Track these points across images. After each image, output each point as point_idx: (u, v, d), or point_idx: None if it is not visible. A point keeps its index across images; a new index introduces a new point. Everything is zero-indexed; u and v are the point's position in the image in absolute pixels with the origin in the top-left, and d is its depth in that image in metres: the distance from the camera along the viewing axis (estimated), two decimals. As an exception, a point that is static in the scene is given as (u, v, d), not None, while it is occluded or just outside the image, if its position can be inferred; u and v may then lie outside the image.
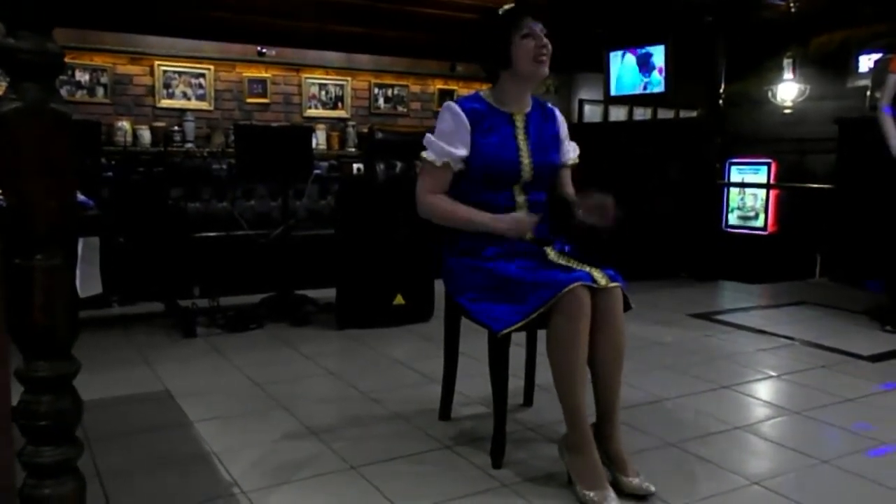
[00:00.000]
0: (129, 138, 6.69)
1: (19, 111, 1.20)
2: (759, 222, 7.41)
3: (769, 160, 7.29)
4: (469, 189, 2.32)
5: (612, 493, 1.99)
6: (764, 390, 3.15)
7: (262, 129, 5.28)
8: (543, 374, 2.63)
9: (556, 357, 2.07)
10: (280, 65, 7.46)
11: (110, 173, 4.68)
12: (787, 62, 6.84)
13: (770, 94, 7.05)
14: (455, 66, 8.25)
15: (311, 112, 7.66)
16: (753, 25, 6.82)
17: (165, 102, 6.97)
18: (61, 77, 5.14)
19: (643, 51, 6.38)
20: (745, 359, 3.60)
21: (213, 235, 4.49)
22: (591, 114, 9.16)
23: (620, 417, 2.18)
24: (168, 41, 6.86)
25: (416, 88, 8.28)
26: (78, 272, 1.42)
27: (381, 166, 4.20)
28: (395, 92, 8.14)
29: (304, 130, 5.00)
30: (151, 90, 6.93)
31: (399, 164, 4.53)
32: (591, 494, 1.99)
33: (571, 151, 2.48)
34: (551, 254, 2.27)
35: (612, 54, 6.66)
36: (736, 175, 7.55)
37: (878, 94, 4.33)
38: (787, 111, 6.99)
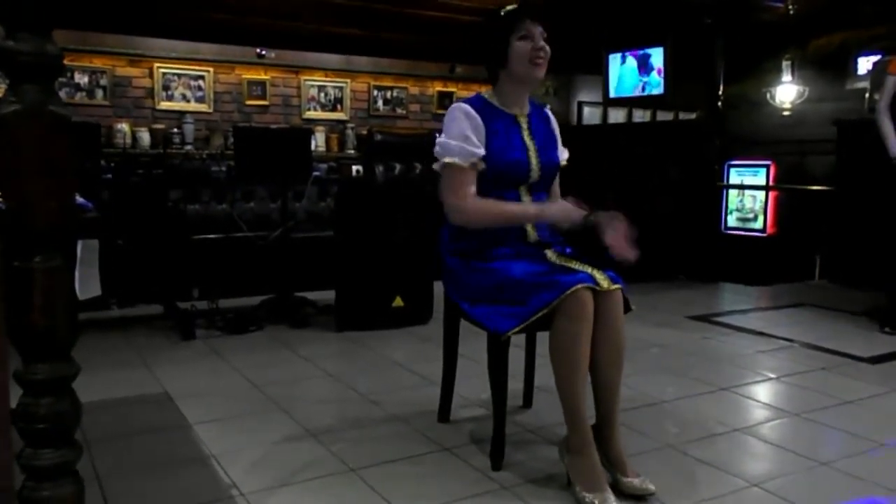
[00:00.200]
0: (129, 140, 6.69)
1: (19, 113, 1.20)
2: (759, 224, 7.42)
3: (768, 162, 7.30)
4: (477, 190, 2.29)
5: (611, 496, 1.99)
6: (763, 392, 3.15)
7: (262, 131, 5.29)
8: (543, 375, 2.63)
9: (558, 358, 2.07)
10: (279, 67, 7.46)
11: (109, 175, 4.67)
12: (785, 64, 6.85)
13: (769, 95, 7.05)
14: (454, 68, 8.26)
15: (311, 114, 7.66)
16: (752, 27, 6.83)
17: (165, 104, 6.97)
18: (60, 79, 5.14)
19: (642, 52, 6.38)
20: (744, 361, 3.60)
21: (212, 237, 4.49)
22: (591, 116, 9.17)
23: (620, 419, 2.18)
24: (167, 43, 6.86)
25: (415, 90, 8.28)
26: (77, 274, 1.42)
27: (380, 168, 4.20)
28: (395, 94, 8.15)
29: (303, 132, 5.00)
30: (151, 92, 6.93)
31: (398, 166, 4.53)
32: (591, 497, 1.99)
33: (565, 153, 2.49)
34: (551, 255, 2.27)
35: (611, 56, 6.66)
36: (735, 177, 7.56)
37: (876, 96, 4.34)
38: (786, 113, 7.00)
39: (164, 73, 6.96)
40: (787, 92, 6.91)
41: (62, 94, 6.20)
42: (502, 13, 2.29)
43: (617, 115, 8.90)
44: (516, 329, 2.10)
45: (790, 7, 6.25)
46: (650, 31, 6.32)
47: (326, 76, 7.75)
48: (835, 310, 4.81)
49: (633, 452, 2.23)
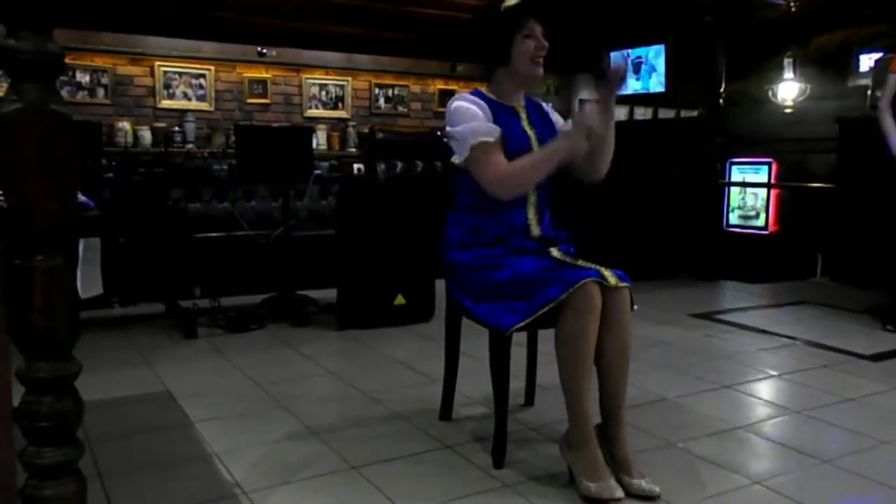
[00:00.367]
0: (130, 139, 6.69)
1: (20, 112, 1.20)
2: (760, 222, 7.41)
3: (770, 160, 7.28)
4: (475, 183, 2.29)
5: (614, 483, 1.99)
6: (765, 390, 3.15)
7: (263, 130, 5.28)
8: (544, 373, 2.63)
9: (564, 353, 2.07)
10: (280, 65, 7.46)
11: (111, 174, 4.68)
12: (787, 62, 6.83)
13: (770, 93, 7.04)
14: (455, 67, 8.25)
15: (312, 112, 7.66)
16: (753, 25, 6.83)
17: (166, 103, 6.97)
18: (62, 78, 5.14)
19: (643, 50, 6.38)
20: (746, 358, 3.60)
21: (213, 236, 4.49)
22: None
23: (626, 418, 2.17)
24: (168, 42, 6.86)
25: (416, 88, 8.27)
26: (79, 273, 1.42)
27: (381, 166, 4.20)
28: (396, 92, 8.14)
29: (305, 131, 5.00)
30: (152, 91, 6.93)
31: (400, 165, 4.54)
32: (594, 486, 1.99)
33: (563, 123, 2.47)
34: (556, 253, 2.27)
35: (612, 55, 6.66)
36: (737, 174, 7.54)
37: (878, 94, 4.33)
38: (788, 111, 6.99)
39: (165, 72, 6.95)
40: (788, 89, 6.90)
41: (63, 92, 6.19)
42: (503, 9, 2.29)
43: (618, 114, 8.89)
44: (521, 324, 2.10)
45: (792, 4, 6.25)
46: (651, 29, 6.31)
47: (328, 74, 7.75)
48: (836, 307, 4.80)
49: (635, 450, 2.22)
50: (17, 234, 1.23)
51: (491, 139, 2.21)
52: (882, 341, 3.91)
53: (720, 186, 6.86)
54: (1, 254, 1.24)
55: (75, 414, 1.33)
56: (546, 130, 2.39)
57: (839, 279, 5.86)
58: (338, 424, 2.62)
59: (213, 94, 7.16)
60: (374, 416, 2.73)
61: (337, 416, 2.72)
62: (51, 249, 1.25)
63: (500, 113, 2.31)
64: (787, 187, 7.15)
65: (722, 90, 6.22)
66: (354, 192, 4.24)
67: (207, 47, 7.05)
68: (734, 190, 7.54)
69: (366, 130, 6.54)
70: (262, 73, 7.39)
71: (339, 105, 7.83)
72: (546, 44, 2.28)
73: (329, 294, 4.30)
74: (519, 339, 2.29)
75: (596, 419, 2.15)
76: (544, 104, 2.51)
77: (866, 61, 6.32)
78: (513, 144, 2.27)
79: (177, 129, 6.89)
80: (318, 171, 4.96)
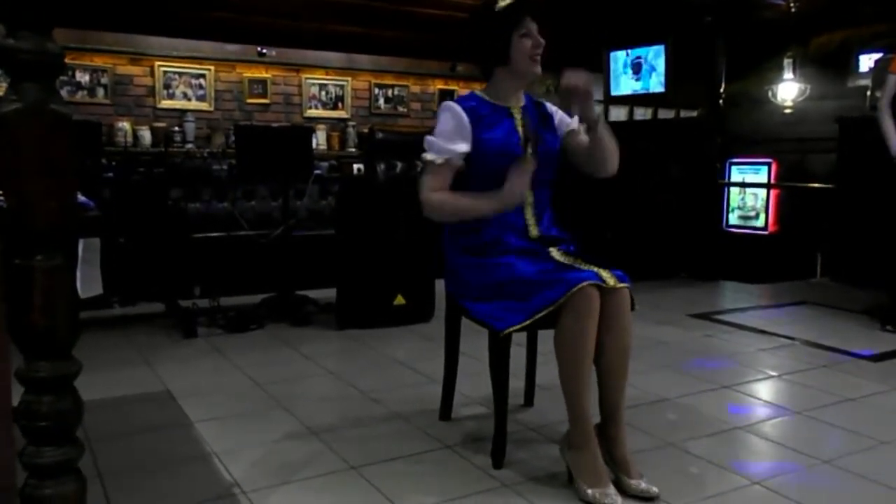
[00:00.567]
0: (130, 139, 6.69)
1: (19, 112, 1.20)
2: (760, 222, 7.41)
3: (769, 160, 7.29)
4: (477, 186, 2.30)
5: (613, 490, 1.99)
6: (765, 390, 3.15)
7: (263, 130, 5.28)
8: (544, 373, 2.63)
9: (564, 355, 2.07)
10: (280, 65, 7.45)
11: (111, 174, 4.68)
12: (787, 62, 6.83)
13: (770, 93, 7.04)
14: (455, 67, 8.24)
15: (312, 112, 7.66)
16: (753, 25, 6.82)
17: (166, 103, 6.97)
18: (62, 78, 5.13)
19: (643, 51, 6.38)
20: (745, 358, 3.60)
21: (213, 236, 4.49)
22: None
23: (625, 418, 2.17)
24: (168, 42, 6.86)
25: (416, 89, 8.27)
26: (78, 273, 1.42)
27: (381, 166, 4.20)
28: (396, 92, 8.14)
29: (305, 131, 5.00)
30: (152, 91, 6.93)
31: (399, 165, 4.54)
32: (593, 492, 1.99)
33: (569, 120, 2.45)
34: (556, 254, 2.27)
35: (612, 54, 6.66)
36: (736, 175, 7.54)
37: (878, 94, 4.33)
38: (788, 111, 6.99)
39: (165, 72, 6.95)
40: (788, 90, 6.90)
41: (63, 92, 6.19)
42: (498, 8, 2.29)
43: (618, 113, 8.89)
44: (519, 326, 2.10)
45: (791, 5, 6.24)
46: (651, 29, 6.31)
47: (327, 74, 7.75)
48: (836, 308, 4.80)
49: (635, 450, 2.22)
50: (17, 233, 1.23)
51: (438, 160, 2.27)
52: (881, 341, 3.91)
53: (720, 186, 6.86)
54: (1, 253, 1.24)
55: (75, 413, 1.33)
56: (543, 132, 2.39)
57: (839, 279, 5.86)
58: (337, 424, 2.63)
59: (212, 94, 7.16)
60: (373, 415, 2.73)
61: (336, 416, 2.72)
62: (51, 249, 1.25)
63: (492, 115, 2.32)
64: (787, 187, 7.15)
65: (722, 90, 6.22)
66: (354, 192, 4.24)
67: (207, 47, 7.05)
68: (734, 190, 7.54)
69: (366, 130, 6.54)
70: (262, 73, 7.39)
71: (339, 105, 7.83)
72: (543, 41, 2.29)
73: (329, 294, 4.30)
74: (519, 340, 2.29)
75: (596, 419, 2.16)
76: (548, 104, 2.50)
77: (866, 61, 6.32)
78: (501, 148, 2.28)
79: (176, 128, 6.88)
80: (317, 171, 4.96)
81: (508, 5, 2.27)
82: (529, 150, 2.19)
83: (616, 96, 6.83)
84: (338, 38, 7.00)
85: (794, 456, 2.39)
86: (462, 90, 8.28)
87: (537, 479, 2.18)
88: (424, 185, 2.32)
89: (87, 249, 1.61)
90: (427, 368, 3.26)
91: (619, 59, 6.61)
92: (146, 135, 6.75)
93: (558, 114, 2.48)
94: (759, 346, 3.82)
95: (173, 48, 6.91)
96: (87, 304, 1.49)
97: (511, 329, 2.11)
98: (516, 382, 2.58)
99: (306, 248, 4.50)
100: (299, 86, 7.61)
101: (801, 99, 6.89)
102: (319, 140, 7.40)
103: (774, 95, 7.00)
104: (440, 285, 2.59)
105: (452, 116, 2.30)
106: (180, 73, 7.02)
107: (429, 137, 2.33)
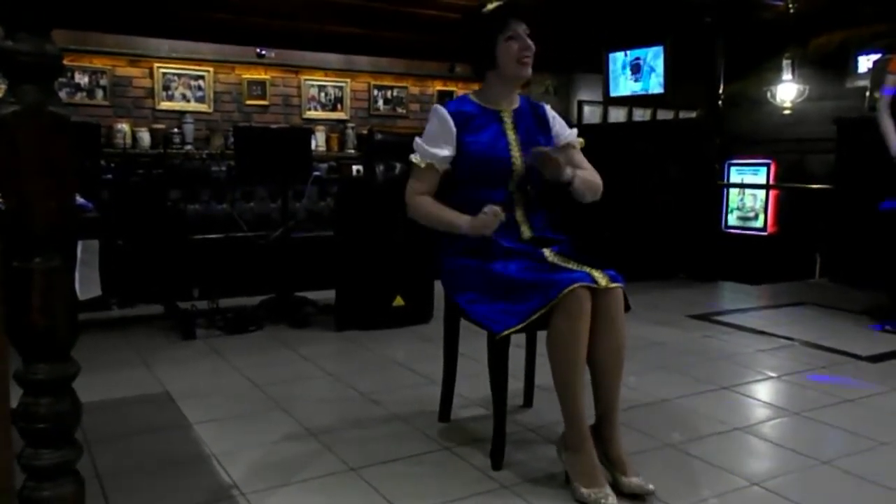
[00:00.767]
0: (129, 140, 6.69)
1: (18, 114, 1.20)
2: (759, 223, 7.42)
3: (768, 161, 7.30)
4: (464, 189, 2.34)
5: (609, 491, 1.99)
6: (763, 391, 3.15)
7: (262, 131, 5.28)
8: (543, 375, 2.63)
9: (556, 357, 2.07)
10: (279, 66, 7.46)
11: (109, 175, 4.67)
12: (786, 62, 6.84)
13: (769, 94, 7.05)
14: (454, 68, 8.25)
15: (311, 114, 7.66)
16: (752, 26, 6.83)
17: (165, 104, 6.97)
18: (60, 79, 5.14)
19: (642, 51, 6.38)
20: (744, 359, 3.60)
21: (212, 237, 4.49)
22: (591, 115, 9.16)
23: (620, 418, 2.18)
24: (167, 43, 6.86)
25: (415, 90, 8.27)
26: (77, 274, 1.42)
27: (380, 168, 4.19)
28: (395, 93, 8.14)
29: (304, 132, 5.00)
30: (151, 92, 6.93)
31: (398, 166, 4.52)
32: (588, 493, 1.99)
33: (569, 133, 2.48)
34: (549, 255, 2.27)
35: (611, 55, 6.66)
36: (735, 176, 7.55)
37: (877, 95, 4.33)
38: (787, 111, 7.00)
39: (164, 73, 6.95)
40: (787, 90, 6.91)
41: (62, 94, 6.20)
42: (485, 12, 2.31)
43: (617, 114, 8.89)
44: (513, 329, 2.10)
45: (790, 5, 6.25)
46: (650, 29, 6.32)
47: (326, 76, 7.75)
48: (835, 308, 4.81)
49: (633, 451, 2.23)
50: (16, 235, 1.23)
51: (422, 164, 2.34)
52: (880, 342, 3.91)
53: (719, 187, 6.87)
54: (0, 254, 1.24)
55: (73, 415, 1.33)
56: (536, 135, 2.40)
57: (838, 280, 5.86)
58: (336, 426, 2.62)
59: (211, 96, 7.16)
60: (372, 417, 2.73)
61: (335, 418, 2.71)
62: (49, 251, 1.25)
63: (480, 119, 2.35)
64: (786, 188, 7.16)
65: (721, 91, 6.22)
66: (353, 194, 4.24)
67: (206, 49, 7.05)
68: (733, 191, 7.55)
69: (364, 132, 6.54)
70: (261, 75, 7.39)
71: (338, 106, 7.83)
72: (531, 44, 2.29)
73: (328, 295, 4.30)
74: (518, 341, 2.29)
75: (591, 420, 2.16)
76: (546, 109, 2.50)
77: (865, 62, 6.34)
78: (485, 153, 2.31)
79: (175, 130, 6.88)
80: (316, 173, 4.95)
81: (493, 9, 2.29)
82: (501, 210, 2.21)
83: (615, 97, 6.83)
84: (337, 39, 7.00)
85: (793, 457, 2.39)
86: (461, 91, 8.28)
87: (536, 480, 2.18)
88: (409, 187, 2.39)
89: (86, 251, 1.61)
90: (426, 370, 3.26)
91: (618, 59, 6.61)
92: (145, 136, 6.75)
93: (556, 120, 2.49)
94: (757, 347, 3.82)
95: (172, 50, 6.91)
96: (86, 306, 1.50)
97: (507, 331, 2.12)
98: (515, 383, 2.58)
99: (305, 249, 4.50)
100: (298, 87, 7.61)
101: (799, 100, 6.90)
102: (318, 141, 7.40)
103: (773, 96, 7.01)
104: (439, 286, 2.59)
105: (438, 120, 2.35)
106: (179, 75, 7.02)
107: (417, 140, 2.37)
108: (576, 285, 2.02)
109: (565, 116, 2.61)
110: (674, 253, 6.04)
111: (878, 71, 4.91)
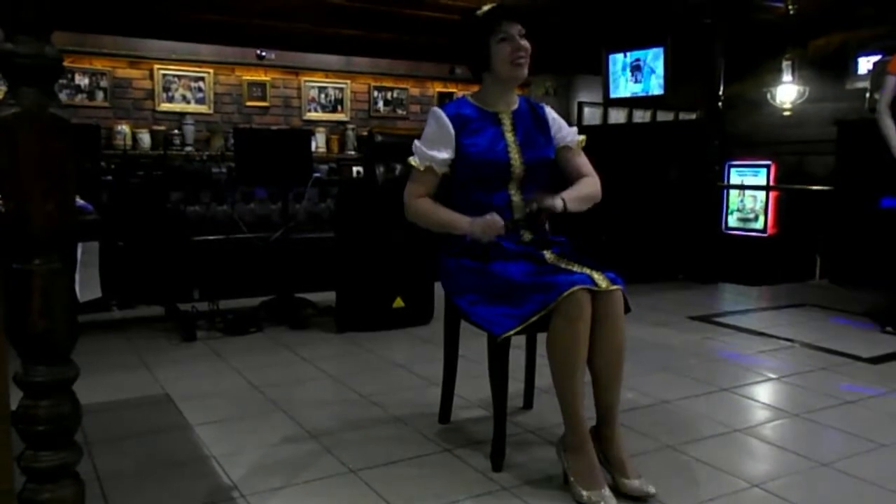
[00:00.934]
0: (129, 142, 6.69)
1: (18, 116, 1.20)
2: (759, 224, 7.42)
3: (769, 162, 7.30)
4: (464, 192, 2.34)
5: (608, 492, 1.99)
6: (764, 392, 3.14)
7: (262, 133, 5.29)
8: (543, 376, 2.63)
9: (556, 359, 2.07)
10: (279, 68, 7.47)
11: (110, 177, 4.68)
12: (786, 64, 6.85)
13: (769, 95, 7.05)
14: (454, 69, 8.26)
15: (311, 115, 7.67)
16: (752, 27, 6.83)
17: (165, 106, 6.98)
18: (61, 81, 5.14)
19: (642, 53, 6.38)
20: (744, 361, 3.60)
21: (212, 239, 4.49)
22: (591, 116, 9.17)
23: (620, 420, 2.17)
24: (167, 45, 6.87)
25: (415, 91, 8.28)
26: (77, 276, 1.42)
27: (380, 169, 4.19)
28: (395, 95, 8.15)
29: (304, 133, 5.00)
30: (151, 94, 6.94)
31: (398, 167, 4.53)
32: (588, 494, 1.99)
33: (568, 134, 2.47)
34: (549, 256, 2.27)
35: (611, 56, 6.66)
36: (735, 177, 7.55)
37: (877, 96, 4.33)
38: (787, 113, 7.00)
39: (164, 75, 6.96)
40: (787, 92, 6.92)
41: (62, 95, 6.20)
42: (478, 14, 2.31)
43: (617, 116, 8.91)
44: (514, 331, 2.10)
45: (790, 7, 6.25)
46: (650, 31, 6.32)
47: (327, 77, 7.76)
48: (835, 310, 4.80)
49: (633, 453, 2.22)
50: (16, 237, 1.23)
51: (421, 166, 2.33)
52: (881, 343, 3.91)
53: (719, 189, 6.87)
54: (-1, 257, 1.24)
55: (73, 417, 1.33)
56: (536, 138, 2.39)
57: (838, 281, 5.86)
58: (336, 427, 2.62)
59: (212, 97, 7.17)
60: (372, 418, 2.73)
61: (336, 419, 2.71)
62: (49, 253, 1.25)
63: (478, 121, 2.35)
64: (786, 189, 7.16)
65: (721, 92, 6.22)
66: (353, 195, 4.24)
67: (206, 50, 7.06)
68: (733, 192, 7.55)
69: (365, 133, 6.54)
70: (261, 76, 7.40)
71: (338, 108, 7.84)
72: (523, 44, 2.28)
73: (328, 297, 4.30)
74: (518, 342, 2.29)
75: (591, 422, 2.16)
76: (546, 109, 2.50)
77: (865, 64, 6.34)
78: (483, 155, 2.30)
79: (176, 131, 6.89)
80: (316, 174, 4.96)
81: (486, 11, 2.29)
82: (512, 219, 2.26)
83: (615, 98, 6.83)
84: (337, 40, 7.01)
85: (794, 459, 2.39)
86: (461, 92, 8.29)
87: (536, 481, 2.17)
88: (408, 189, 2.38)
89: (86, 253, 1.61)
90: (426, 371, 3.26)
91: (618, 61, 6.61)
92: (145, 138, 6.76)
93: (556, 121, 2.48)
94: (758, 349, 3.82)
95: (172, 51, 6.92)
96: (86, 307, 1.50)
97: (507, 333, 2.11)
98: (516, 385, 2.58)
99: (305, 250, 4.51)
100: (298, 89, 7.62)
101: (799, 101, 6.90)
102: (318, 143, 7.41)
103: (773, 97, 7.02)
104: (439, 288, 2.59)
105: (436, 123, 2.34)
106: (179, 76, 7.03)
107: (415, 143, 2.37)
108: (576, 287, 2.02)
109: (565, 118, 2.61)
110: (674, 254, 6.04)
111: (877, 73, 4.92)
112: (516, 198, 2.34)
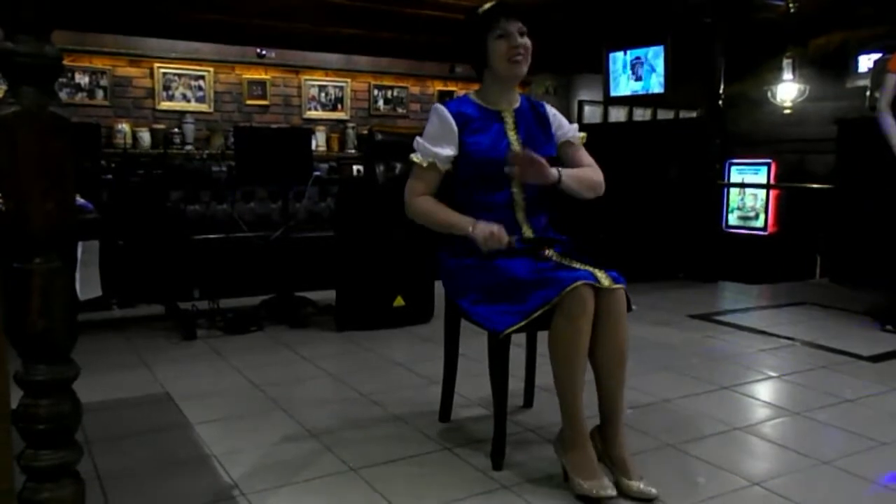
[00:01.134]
0: (129, 140, 6.70)
1: (18, 115, 1.20)
2: (760, 223, 7.41)
3: (769, 160, 7.29)
4: (466, 190, 2.33)
5: (607, 482, 2.00)
6: (764, 391, 3.14)
7: (262, 131, 5.29)
8: (543, 375, 2.63)
9: (557, 355, 2.07)
10: (279, 66, 7.47)
11: (110, 176, 4.67)
12: (786, 62, 6.84)
13: (770, 94, 7.05)
14: (454, 68, 8.26)
15: (311, 114, 7.67)
16: (753, 26, 6.83)
17: (165, 104, 6.98)
18: (61, 79, 5.14)
19: (643, 51, 6.38)
20: (745, 359, 3.60)
21: (212, 237, 4.49)
22: (591, 115, 9.17)
23: (623, 419, 2.17)
24: (167, 43, 6.87)
25: (415, 90, 8.29)
26: (77, 275, 1.42)
27: (380, 168, 4.19)
28: (395, 93, 8.15)
29: (304, 132, 5.00)
30: (151, 92, 6.94)
31: (399, 166, 4.53)
32: (587, 485, 1.99)
33: (570, 130, 2.47)
34: (551, 254, 2.27)
35: (611, 55, 6.66)
36: (736, 175, 7.55)
37: (877, 95, 4.33)
38: (787, 111, 7.00)
39: (164, 73, 6.96)
40: (787, 90, 6.91)
41: (62, 94, 6.20)
42: (479, 11, 2.31)
43: (618, 114, 8.90)
44: (516, 327, 2.10)
45: (791, 5, 6.24)
46: (650, 30, 6.32)
47: (327, 76, 7.76)
48: (836, 308, 4.80)
49: (634, 451, 2.22)
50: (16, 236, 1.23)
51: (423, 163, 2.31)
52: (881, 342, 3.90)
53: (719, 187, 6.86)
54: (-1, 256, 1.24)
55: (73, 416, 1.33)
56: (538, 136, 2.39)
57: (838, 280, 5.86)
58: (337, 426, 2.62)
59: (212, 96, 7.17)
60: (373, 417, 2.73)
61: (336, 418, 2.71)
62: (49, 252, 1.25)
63: (481, 120, 2.34)
64: (787, 188, 7.16)
65: (721, 91, 6.22)
66: (353, 194, 4.24)
67: (206, 49, 7.06)
68: (733, 191, 7.55)
69: (365, 132, 6.55)
70: (262, 75, 7.40)
71: (339, 106, 7.84)
72: (521, 42, 2.28)
73: (328, 296, 4.30)
74: (518, 340, 2.29)
75: (594, 421, 2.16)
76: (547, 107, 2.50)
77: (865, 62, 6.33)
78: (486, 153, 2.30)
79: (176, 130, 6.89)
80: (317, 173, 4.95)
81: (486, 9, 2.29)
82: (513, 238, 2.22)
83: (615, 97, 6.83)
84: (337, 39, 7.01)
85: (794, 457, 2.39)
86: (461, 91, 8.29)
87: (537, 480, 2.17)
88: (409, 186, 2.36)
89: (86, 251, 1.61)
90: (426, 370, 3.26)
91: (619, 59, 6.61)
92: (145, 136, 6.76)
93: (557, 118, 2.48)
94: (758, 347, 3.82)
95: (172, 50, 6.92)
96: (86, 306, 1.50)
97: (508, 330, 2.11)
98: (516, 383, 2.58)
99: (305, 249, 4.50)
100: (299, 87, 7.62)
101: (800, 100, 6.89)
102: (319, 141, 7.41)
103: (774, 96, 7.01)
104: (440, 287, 2.59)
105: (439, 119, 2.33)
106: (179, 75, 7.03)
107: (418, 139, 2.35)
108: (579, 283, 2.02)
109: (566, 116, 2.60)
110: (674, 253, 6.04)
111: (877, 71, 4.91)
112: (518, 197, 2.33)
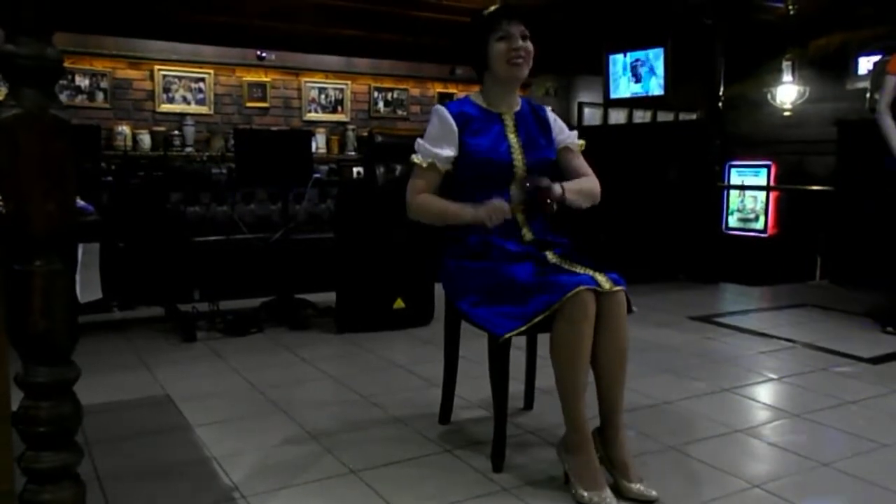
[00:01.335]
0: (129, 143, 6.70)
1: (19, 117, 1.20)
2: (760, 224, 7.42)
3: (769, 162, 7.30)
4: (465, 191, 2.33)
5: (609, 493, 1.99)
6: (765, 393, 3.14)
7: (262, 133, 5.29)
8: (544, 377, 2.63)
9: (560, 360, 2.07)
10: (279, 69, 7.47)
11: (110, 178, 4.68)
12: (786, 64, 6.86)
13: (769, 96, 7.06)
14: (455, 70, 8.27)
15: (311, 116, 7.67)
16: (752, 27, 6.84)
17: (165, 107, 6.98)
18: (61, 82, 5.14)
19: (642, 53, 6.38)
20: (745, 361, 3.60)
21: (212, 239, 4.49)
22: (591, 117, 9.18)
23: (623, 421, 2.17)
24: (168, 45, 6.87)
25: (415, 92, 8.29)
26: (78, 277, 1.42)
27: (380, 170, 4.19)
28: (395, 95, 8.15)
29: (304, 134, 5.00)
30: (151, 94, 6.94)
31: (399, 168, 4.53)
32: (589, 495, 1.99)
33: (569, 136, 2.48)
34: (552, 257, 2.27)
35: (611, 57, 6.66)
36: (736, 177, 7.56)
37: (877, 96, 4.33)
38: (787, 113, 7.01)
39: (164, 76, 6.96)
40: (787, 92, 6.92)
41: (63, 96, 6.21)
42: (483, 14, 2.31)
43: (618, 116, 8.91)
44: (517, 331, 2.10)
45: (790, 7, 6.25)
46: (650, 31, 6.32)
47: (327, 78, 7.76)
48: (836, 310, 4.80)
49: (634, 453, 2.22)
50: (17, 238, 1.24)
51: (424, 163, 2.32)
52: (881, 344, 3.90)
53: (719, 189, 6.87)
54: (0, 259, 1.24)
55: (74, 418, 1.34)
56: (538, 138, 2.40)
57: (839, 282, 5.86)
58: (337, 428, 2.62)
59: (212, 98, 7.17)
60: (373, 419, 2.73)
61: (336, 420, 2.71)
62: (50, 254, 1.25)
63: (481, 121, 2.35)
64: (787, 190, 7.16)
65: (721, 93, 6.23)
66: (353, 196, 4.24)
67: (207, 51, 7.07)
68: (733, 192, 7.56)
69: (365, 134, 6.54)
70: (262, 77, 7.40)
71: (339, 108, 7.84)
72: (521, 44, 2.28)
73: (328, 297, 4.30)
74: (519, 343, 2.29)
75: (595, 423, 2.15)
76: (547, 111, 2.50)
77: (865, 64, 6.34)
78: (486, 155, 2.31)
79: (176, 132, 6.89)
80: (317, 175, 4.96)
81: (490, 11, 2.30)
82: (515, 202, 2.24)
83: (615, 99, 6.83)
84: (337, 41, 7.01)
85: (794, 459, 2.39)
86: (461, 93, 8.30)
87: (537, 482, 2.17)
88: (410, 187, 2.37)
89: (87, 254, 1.61)
90: (426, 372, 3.26)
91: (619, 61, 6.61)
92: (146, 139, 6.76)
93: (557, 122, 2.49)
94: (759, 349, 3.82)
95: (173, 52, 6.92)
96: (87, 308, 1.50)
97: (511, 334, 2.11)
98: (516, 385, 2.58)
99: (305, 251, 4.50)
100: (299, 89, 7.62)
101: (800, 101, 6.90)
102: (319, 143, 7.41)
103: (773, 98, 7.02)
104: (440, 289, 2.59)
105: (440, 120, 2.34)
106: (180, 77, 7.03)
107: (418, 140, 2.36)
108: (580, 288, 2.02)
109: (566, 119, 2.62)
110: (674, 255, 6.04)
111: (877, 73, 4.92)
112: (517, 198, 2.33)
